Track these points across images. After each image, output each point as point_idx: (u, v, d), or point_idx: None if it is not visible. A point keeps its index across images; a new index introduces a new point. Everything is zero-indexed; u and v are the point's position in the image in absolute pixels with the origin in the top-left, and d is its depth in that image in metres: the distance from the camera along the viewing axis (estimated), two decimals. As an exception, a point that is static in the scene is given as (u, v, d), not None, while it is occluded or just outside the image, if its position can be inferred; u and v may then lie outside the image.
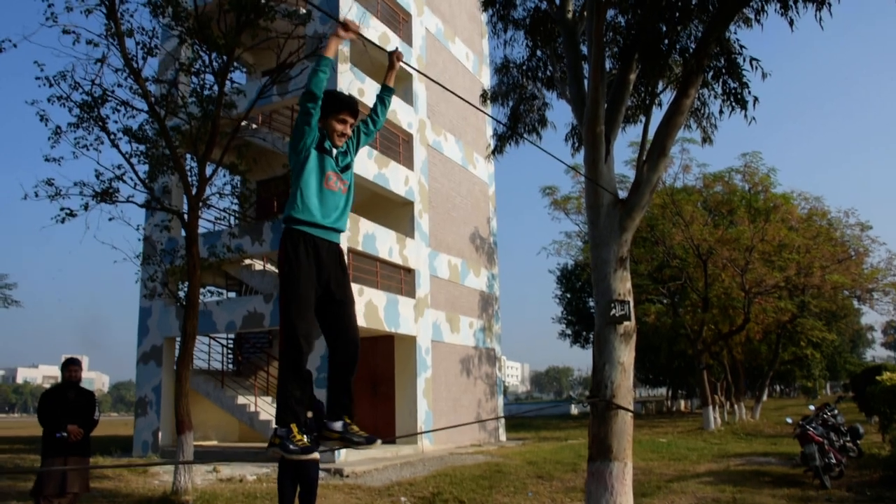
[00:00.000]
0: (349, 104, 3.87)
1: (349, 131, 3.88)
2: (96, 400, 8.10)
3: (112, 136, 12.37)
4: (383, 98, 4.21)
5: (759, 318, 29.59)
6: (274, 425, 3.64)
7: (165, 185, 16.04)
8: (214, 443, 20.48)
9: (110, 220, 12.79)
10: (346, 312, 3.79)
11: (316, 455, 3.58)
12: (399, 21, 22.67)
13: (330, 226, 3.70)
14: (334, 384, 3.78)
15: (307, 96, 3.64)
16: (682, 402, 54.04)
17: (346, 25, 3.79)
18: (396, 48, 4.24)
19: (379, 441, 3.83)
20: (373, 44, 4.88)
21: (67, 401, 7.70)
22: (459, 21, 26.78)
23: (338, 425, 3.73)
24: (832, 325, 39.62)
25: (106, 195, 12.26)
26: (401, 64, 4.22)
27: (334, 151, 3.81)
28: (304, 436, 3.67)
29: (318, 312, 3.71)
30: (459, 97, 5.38)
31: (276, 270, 21.43)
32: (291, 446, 3.58)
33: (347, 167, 3.87)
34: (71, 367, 7.93)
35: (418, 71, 5.55)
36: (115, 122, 12.66)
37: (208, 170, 12.78)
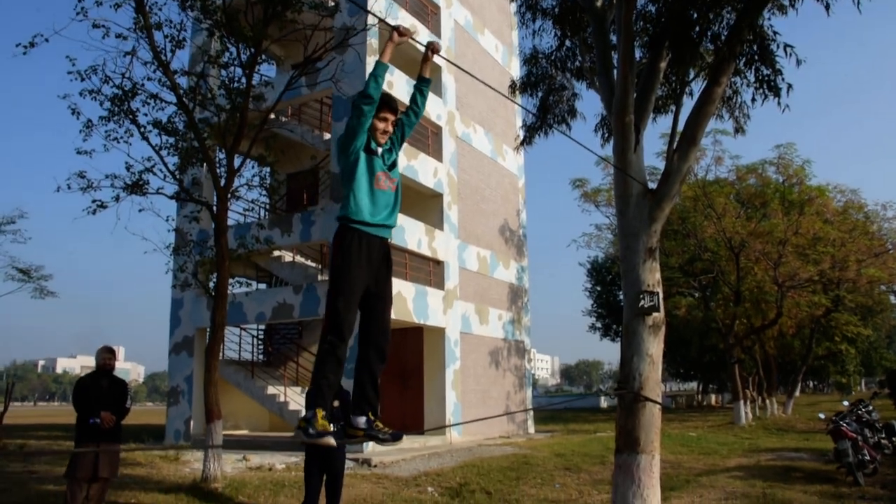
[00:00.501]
0: (388, 102, 3.97)
1: (391, 128, 4.03)
2: (129, 388, 8.20)
3: (142, 129, 12.49)
4: (421, 89, 4.29)
5: (793, 312, 29.15)
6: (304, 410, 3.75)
7: (195, 176, 16.22)
8: (245, 432, 20.70)
9: (140, 211, 12.95)
10: (384, 308, 3.91)
11: (331, 440, 3.67)
12: (428, 13, 22.62)
13: (381, 223, 3.87)
14: (362, 378, 3.88)
15: (364, 98, 3.80)
16: (713, 397, 53.47)
17: (399, 31, 3.95)
18: (433, 41, 4.35)
19: (403, 436, 3.90)
20: (420, 43, 4.84)
21: (101, 388, 7.81)
22: (488, 12, 26.65)
23: (362, 421, 3.82)
24: (868, 320, 38.90)
25: (136, 187, 12.40)
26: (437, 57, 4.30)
27: (380, 150, 3.96)
28: (328, 422, 3.78)
29: (359, 305, 3.85)
30: (489, 86, 5.35)
31: (308, 262, 21.61)
32: (310, 430, 3.68)
33: (394, 164, 4.05)
34: (105, 355, 8.03)
35: (449, 61, 5.52)
36: (145, 114, 12.87)
37: (236, 161, 12.85)
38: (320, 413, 3.72)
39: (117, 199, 12.41)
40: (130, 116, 12.43)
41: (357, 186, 3.84)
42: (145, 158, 12.82)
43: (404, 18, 20.30)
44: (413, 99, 4.31)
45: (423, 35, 21.10)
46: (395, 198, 4.01)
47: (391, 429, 3.87)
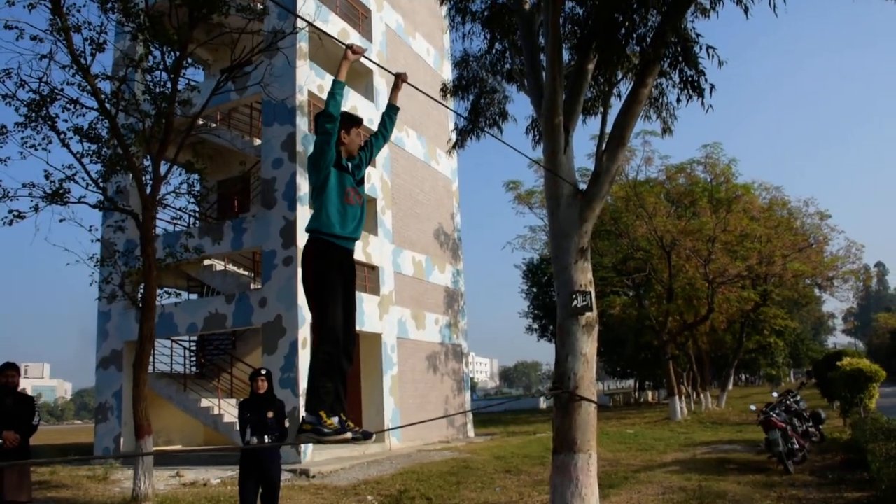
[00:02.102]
0: (354, 119, 4.33)
1: (359, 141, 4.31)
2: (36, 406, 7.79)
3: (62, 136, 12.03)
4: (390, 115, 4.62)
5: (723, 307, 29.94)
6: (303, 413, 3.94)
7: (119, 184, 15.70)
8: (179, 447, 20.14)
9: (61, 221, 12.45)
10: (351, 314, 4.12)
11: (348, 435, 3.81)
12: (359, 16, 22.45)
13: (349, 236, 4.10)
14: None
15: (326, 117, 4.02)
16: (650, 394, 54.55)
17: (353, 49, 4.23)
18: (402, 73, 4.69)
19: (374, 436, 4.15)
20: (380, 66, 4.97)
21: (4, 407, 7.40)
22: (420, 16, 26.62)
23: (335, 420, 3.93)
24: (794, 313, 40.29)
25: (56, 196, 11.91)
26: (362, 58, 4.46)
27: (349, 166, 4.19)
28: (334, 420, 3.92)
29: None
30: (419, 90, 5.27)
31: (241, 271, 21.17)
32: (325, 430, 3.82)
33: (362, 180, 4.29)
34: (7, 372, 7.59)
35: (379, 66, 5.44)
36: (65, 120, 12.37)
37: (163, 168, 12.51)
38: (324, 414, 3.86)
39: (36, 208, 11.91)
40: (49, 122, 11.95)
41: (328, 200, 4.04)
42: (66, 166, 12.32)
43: (335, 22, 20.11)
44: (382, 123, 4.59)
45: (353, 39, 20.95)
46: (363, 212, 4.21)
47: (361, 429, 4.04)
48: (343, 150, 4.19)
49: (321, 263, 4.00)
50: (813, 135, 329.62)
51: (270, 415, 7.70)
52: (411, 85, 5.30)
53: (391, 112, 4.62)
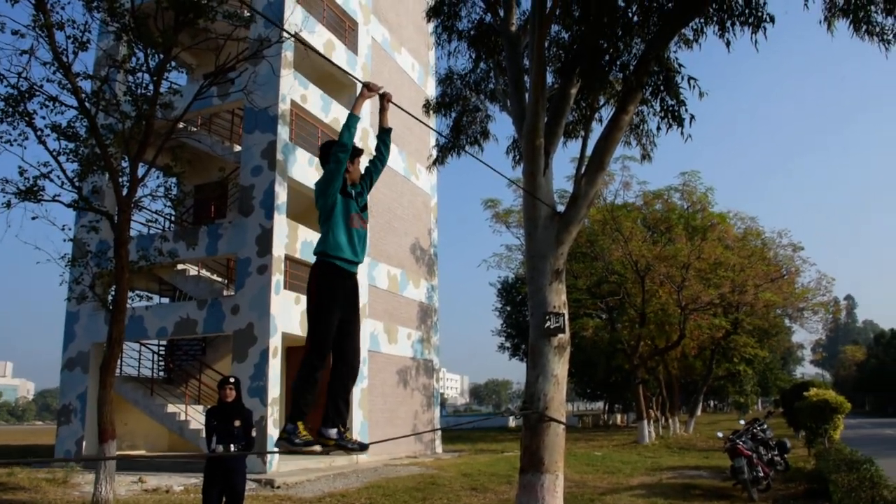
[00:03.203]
0: (355, 151, 4.49)
1: (358, 170, 4.56)
2: None
3: (39, 133, 11.87)
4: (384, 138, 4.76)
5: (695, 334, 30.19)
6: (284, 422, 4.08)
7: (95, 185, 15.50)
8: (143, 452, 19.85)
9: (34, 219, 12.29)
10: (355, 334, 4.35)
11: (317, 448, 4.14)
12: (345, 29, 22.50)
13: (354, 259, 4.34)
14: (335, 394, 4.24)
15: (340, 147, 4.28)
16: (619, 416, 54.72)
17: (369, 87, 4.48)
18: (387, 92, 4.77)
19: (369, 447, 4.37)
20: (394, 104, 4.98)
21: None
22: (406, 31, 26.73)
23: (333, 432, 4.14)
24: (764, 342, 40.67)
25: (30, 193, 11.73)
26: (346, 72, 4.65)
27: (353, 193, 4.43)
28: (334, 432, 4.15)
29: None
30: (401, 108, 5.30)
31: (214, 276, 21.01)
32: (296, 440, 4.00)
33: (365, 206, 4.52)
34: None
35: (360, 81, 5.45)
36: (43, 117, 12.15)
37: (141, 170, 12.37)
38: (301, 425, 4.04)
39: (8, 205, 11.72)
40: (26, 118, 11.79)
41: (335, 225, 4.28)
42: (41, 163, 12.14)
43: (321, 34, 20.13)
44: (377, 149, 4.75)
45: (339, 51, 20.99)
46: (365, 236, 4.46)
47: (357, 441, 4.24)
48: (348, 177, 4.40)
49: (323, 283, 4.23)
50: (776, 168, 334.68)
51: (237, 423, 7.65)
52: (393, 103, 5.35)
53: (384, 136, 4.75)
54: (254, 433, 7.91)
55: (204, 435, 7.90)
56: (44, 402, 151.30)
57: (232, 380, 7.90)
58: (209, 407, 8.18)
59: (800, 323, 35.95)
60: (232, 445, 7.53)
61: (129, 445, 19.40)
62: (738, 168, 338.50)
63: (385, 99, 4.71)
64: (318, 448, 4.07)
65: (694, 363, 37.26)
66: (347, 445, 4.15)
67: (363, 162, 4.70)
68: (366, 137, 22.28)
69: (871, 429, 35.89)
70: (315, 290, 4.26)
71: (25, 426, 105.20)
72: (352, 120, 4.36)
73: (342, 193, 4.36)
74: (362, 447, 4.23)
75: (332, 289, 4.24)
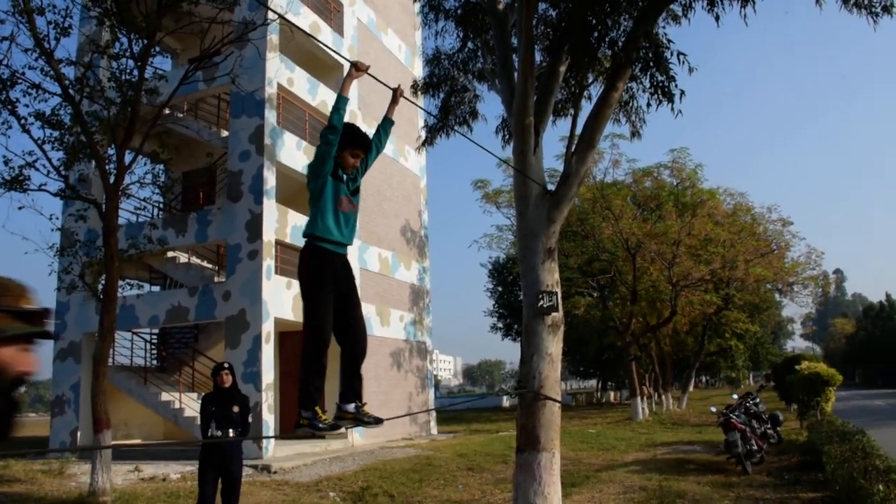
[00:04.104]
0: (363, 141, 4.50)
1: (357, 162, 4.52)
2: None
3: (22, 121, 11.73)
4: (385, 127, 4.80)
5: (686, 310, 30.33)
6: (299, 409, 4.17)
7: (82, 173, 15.37)
8: (138, 441, 19.84)
9: (20, 208, 12.17)
10: (357, 311, 4.42)
11: (342, 429, 4.46)
12: (331, 10, 22.29)
13: (343, 241, 4.36)
14: (347, 372, 4.36)
15: (329, 129, 4.28)
16: (612, 394, 55.09)
17: (357, 66, 4.50)
18: (399, 86, 4.92)
19: (384, 421, 4.44)
20: (380, 81, 5.09)
21: None
22: (392, 12, 26.51)
23: (351, 407, 4.27)
24: (755, 317, 40.92)
25: (15, 182, 11.61)
26: (332, 53, 4.62)
27: (345, 177, 4.43)
28: (351, 410, 4.27)
29: (333, 313, 4.31)
30: (387, 86, 5.24)
31: (204, 263, 20.93)
32: (320, 425, 4.09)
33: (357, 191, 4.53)
34: None
35: (348, 60, 5.40)
36: (26, 105, 11.99)
37: (127, 158, 12.25)
38: (319, 410, 4.12)
39: (-7, 195, 11.62)
40: (9, 107, 11.63)
41: (323, 206, 4.29)
42: (26, 152, 12.00)
43: (306, 15, 19.94)
44: (377, 134, 4.76)
45: (324, 33, 20.80)
46: (355, 219, 4.49)
47: (373, 415, 4.34)
48: (346, 166, 4.44)
49: (313, 268, 4.27)
50: (768, 142, 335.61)
51: (235, 409, 7.64)
52: (380, 81, 5.29)
53: (386, 125, 4.80)
54: (250, 419, 7.91)
55: (199, 422, 7.87)
56: (36, 393, 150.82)
57: (227, 365, 7.89)
58: (205, 394, 8.16)
59: (790, 297, 36.16)
60: (230, 431, 7.53)
61: (124, 435, 19.39)
62: (725, 145, 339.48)
63: (397, 93, 4.84)
64: (340, 429, 4.21)
65: (686, 339, 37.48)
66: (364, 419, 4.27)
67: None
68: (354, 119, 22.14)
69: (861, 400, 36.28)
70: (306, 274, 4.31)
71: (19, 417, 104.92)
72: (340, 101, 4.36)
73: (333, 176, 4.36)
74: (377, 420, 4.32)
75: (321, 271, 4.26)
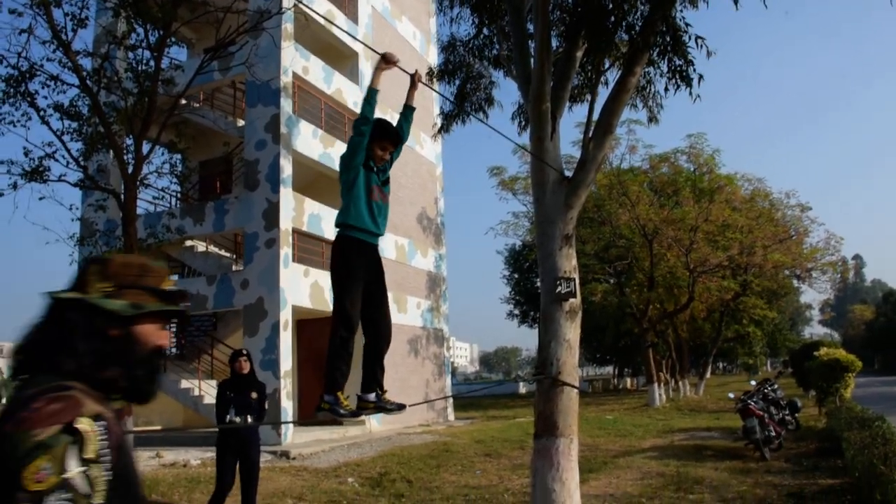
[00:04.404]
0: (393, 135, 4.54)
1: (388, 157, 4.58)
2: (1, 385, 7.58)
3: (41, 113, 11.82)
4: (407, 115, 4.82)
5: (703, 296, 30.19)
6: (322, 394, 4.29)
7: (100, 163, 15.50)
8: (158, 428, 20.06)
9: (41, 199, 12.28)
10: (383, 302, 4.52)
11: (361, 415, 4.53)
12: (345, -2, 22.26)
13: (375, 231, 4.45)
14: (370, 362, 4.45)
15: (361, 120, 4.34)
16: (629, 380, 54.98)
17: (386, 58, 4.51)
18: (416, 71, 4.94)
19: (406, 407, 4.61)
20: (400, 68, 4.94)
21: None
22: (406, -1, 26.45)
23: (372, 396, 4.38)
24: (773, 303, 40.64)
25: (36, 174, 11.72)
26: (350, 39, 4.66)
27: (375, 168, 4.50)
28: (370, 397, 4.39)
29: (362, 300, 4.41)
30: (404, 70, 5.24)
31: (222, 252, 21.05)
32: (341, 410, 4.20)
33: (387, 181, 4.60)
34: None
35: (378, 52, 5.41)
36: (45, 97, 12.13)
37: (145, 148, 12.32)
38: (341, 395, 4.23)
39: (14, 186, 11.73)
40: (28, 99, 11.73)
41: (356, 196, 4.37)
42: (46, 144, 12.12)
43: (320, 3, 19.90)
44: (399, 124, 4.77)
45: (339, 21, 20.78)
46: (386, 209, 4.56)
47: (395, 402, 4.47)
48: (376, 158, 4.49)
49: (344, 256, 4.35)
50: (789, 126, 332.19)
51: (253, 395, 7.70)
52: (400, 68, 5.29)
53: (408, 113, 4.82)
54: (266, 406, 7.98)
55: (215, 409, 7.94)
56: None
57: (245, 352, 7.95)
58: (222, 380, 8.24)
59: (808, 283, 35.85)
60: (248, 417, 7.60)
61: (144, 422, 19.60)
62: (742, 130, 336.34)
63: (415, 77, 4.85)
64: (361, 416, 4.29)
65: (703, 326, 37.32)
66: (387, 406, 4.37)
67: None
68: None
69: (880, 387, 35.99)
70: (337, 263, 4.39)
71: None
72: (371, 93, 4.43)
73: (365, 167, 4.43)
74: (400, 406, 4.43)
75: (353, 261, 4.35)
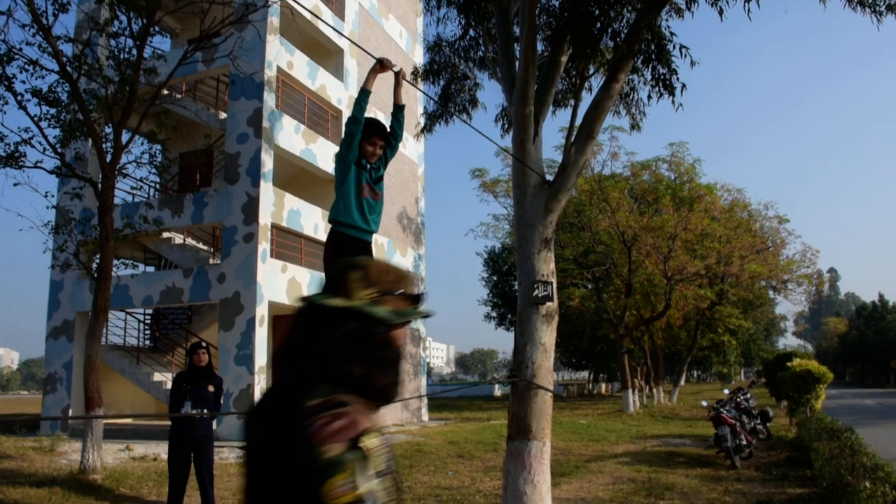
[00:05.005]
0: (378, 129, 4.65)
1: (378, 151, 4.68)
2: None
3: (19, 97, 11.64)
4: (396, 115, 4.91)
5: (680, 304, 30.38)
6: None
7: (78, 151, 15.32)
8: (129, 421, 19.85)
9: (15, 185, 12.10)
10: None
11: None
12: (332, -6, 22.18)
13: (365, 228, 4.55)
14: None
15: (351, 120, 4.51)
16: (604, 386, 55.25)
17: (383, 63, 4.66)
18: (401, 68, 4.99)
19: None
20: (389, 68, 4.97)
21: None
22: (394, -3, 26.40)
23: None
24: (748, 313, 41.03)
25: (11, 159, 11.53)
26: (336, 32, 4.69)
27: (368, 166, 4.63)
28: None
29: None
30: (390, 68, 5.23)
31: (200, 245, 20.89)
32: None
33: (380, 179, 4.73)
34: None
35: (353, 42, 5.41)
36: (23, 82, 11.97)
37: (125, 137, 12.18)
38: None
39: (-12, 171, 11.55)
40: (5, 83, 11.54)
41: (346, 192, 4.49)
42: (22, 129, 11.93)
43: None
44: (391, 126, 4.89)
45: (325, 17, 20.70)
46: (378, 207, 4.68)
47: None
48: (367, 155, 4.60)
49: (335, 251, 4.47)
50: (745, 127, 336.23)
51: (211, 389, 7.66)
52: (390, 69, 5.28)
53: (398, 113, 4.89)
54: (222, 400, 7.96)
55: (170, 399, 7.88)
56: (28, 371, 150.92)
57: (204, 344, 7.93)
58: (178, 371, 8.18)
59: (784, 294, 36.27)
60: (205, 411, 7.55)
61: (115, 414, 19.39)
62: (707, 139, 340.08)
63: (399, 75, 4.89)
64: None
65: (679, 333, 37.57)
66: None
67: None
68: (352, 105, 22.09)
69: (851, 399, 36.48)
70: (329, 258, 4.53)
71: (10, 395, 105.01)
72: (362, 94, 4.55)
73: (357, 165, 4.55)
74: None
75: (344, 255, 4.31)
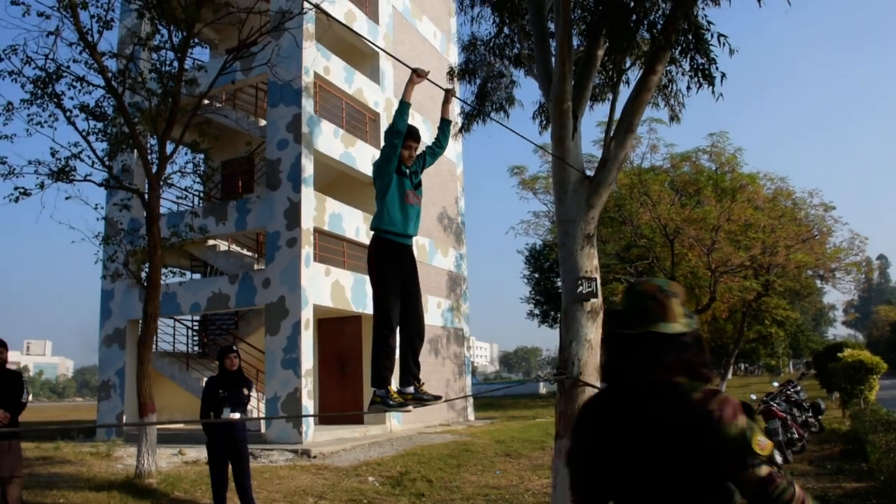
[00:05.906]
0: (413, 134, 4.77)
1: (414, 154, 4.85)
2: (24, 381, 7.53)
3: (68, 113, 11.98)
4: (444, 129, 5.14)
5: (725, 296, 29.88)
6: (372, 388, 4.63)
7: (125, 163, 15.67)
8: (181, 426, 20.25)
9: (67, 199, 12.43)
10: (418, 300, 4.79)
11: (410, 407, 4.74)
12: (366, -2, 22.34)
13: (409, 233, 4.70)
14: (405, 357, 4.74)
15: (393, 133, 4.61)
16: (649, 381, 54.57)
17: (418, 72, 4.73)
18: (452, 88, 5.43)
19: (442, 398, 4.94)
20: (436, 85, 5.26)
21: None
22: (427, -1, 26.49)
23: (410, 389, 4.68)
24: (795, 303, 40.19)
25: (62, 174, 11.88)
26: (369, 43, 4.99)
27: (408, 171, 4.77)
28: (409, 390, 4.70)
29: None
30: (441, 88, 5.28)
31: (244, 251, 21.21)
32: (391, 402, 4.53)
33: (419, 184, 4.89)
34: None
35: (409, 67, 5.49)
36: (71, 98, 12.26)
37: (169, 148, 12.44)
38: (392, 389, 4.55)
39: (42, 186, 11.89)
40: (55, 100, 11.88)
41: (390, 202, 4.63)
42: (72, 144, 12.27)
43: (341, 4, 20.00)
44: (437, 137, 5.13)
45: (360, 21, 20.86)
46: (419, 212, 4.84)
47: (432, 394, 4.81)
48: (404, 159, 4.74)
49: (381, 258, 4.62)
50: (814, 126, 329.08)
51: (245, 392, 7.81)
52: (432, 82, 5.33)
53: (444, 127, 5.11)
54: (252, 403, 8.15)
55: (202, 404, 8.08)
56: (83, 378, 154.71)
57: (235, 348, 8.08)
58: (210, 377, 8.30)
59: (832, 284, 35.34)
60: (241, 413, 7.72)
61: (167, 419, 19.79)
62: (766, 129, 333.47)
63: (449, 93, 5.14)
64: (410, 408, 4.64)
65: (725, 326, 36.94)
66: (424, 398, 4.68)
67: (420, 147, 5.04)
68: (389, 108, 22.22)
69: (906, 389, 35.49)
70: (374, 264, 4.67)
71: (67, 402, 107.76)
72: (403, 107, 4.63)
73: (397, 172, 4.67)
74: (436, 397, 4.76)
75: (387, 262, 4.61)
